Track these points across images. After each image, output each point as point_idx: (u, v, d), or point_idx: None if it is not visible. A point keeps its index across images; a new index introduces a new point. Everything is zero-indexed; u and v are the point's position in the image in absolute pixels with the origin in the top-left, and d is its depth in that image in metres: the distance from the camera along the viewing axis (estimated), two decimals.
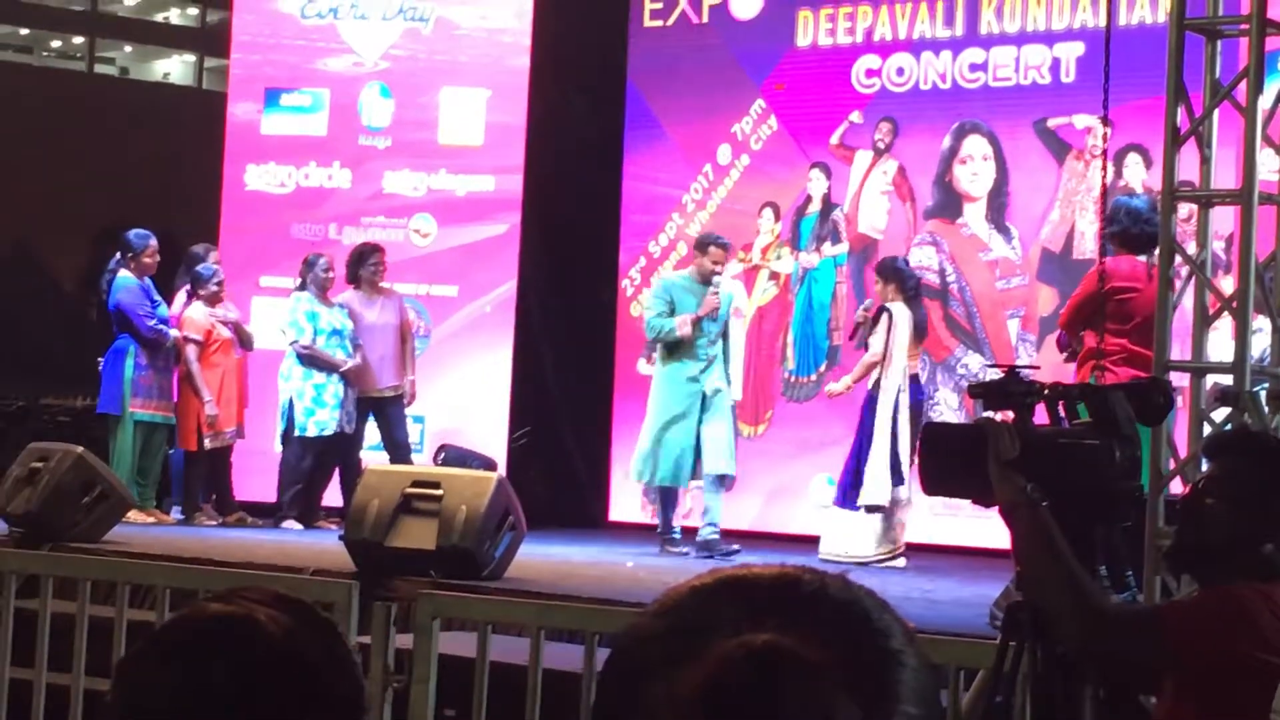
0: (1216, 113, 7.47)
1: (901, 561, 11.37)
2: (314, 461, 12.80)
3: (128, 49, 42.59)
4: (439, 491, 9.42)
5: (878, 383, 11.45)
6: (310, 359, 12.72)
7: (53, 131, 32.38)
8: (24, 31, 40.94)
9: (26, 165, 31.20)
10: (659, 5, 14.72)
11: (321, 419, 12.73)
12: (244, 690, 1.84)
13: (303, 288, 12.97)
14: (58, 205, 31.20)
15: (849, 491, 11.42)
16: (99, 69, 41.11)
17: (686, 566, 11.01)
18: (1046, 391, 4.22)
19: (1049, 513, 3.91)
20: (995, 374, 4.33)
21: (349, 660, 1.94)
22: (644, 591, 9.05)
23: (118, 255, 12.90)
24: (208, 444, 12.77)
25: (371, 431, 13.04)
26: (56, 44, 41.84)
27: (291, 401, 12.74)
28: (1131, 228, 9.03)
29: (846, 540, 11.35)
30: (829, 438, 13.14)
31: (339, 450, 12.90)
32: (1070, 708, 4.05)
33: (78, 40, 41.42)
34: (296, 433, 12.73)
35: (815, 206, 13.96)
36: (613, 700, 1.31)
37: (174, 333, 12.77)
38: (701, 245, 11.92)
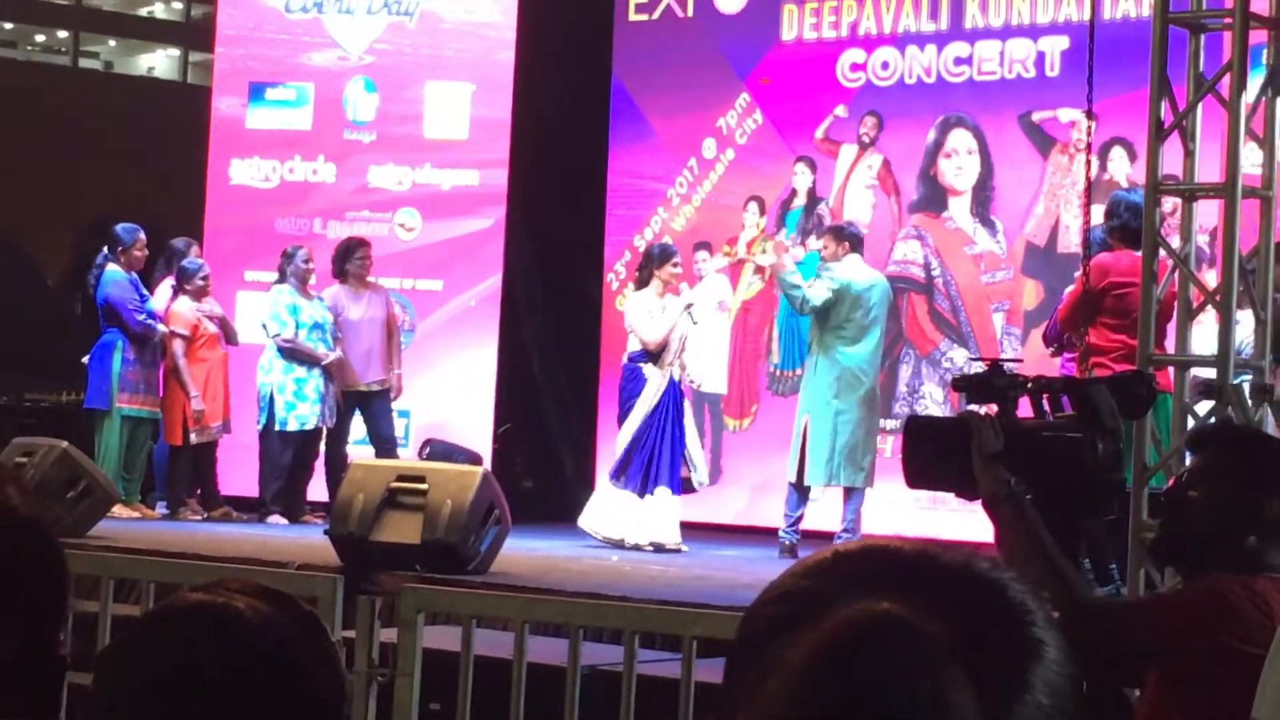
0: (1200, 106, 7.48)
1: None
2: (294, 456, 12.80)
3: (112, 43, 42.54)
4: (424, 486, 9.43)
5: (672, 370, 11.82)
6: (291, 353, 12.72)
7: (37, 126, 32.32)
8: (8, 26, 40.88)
9: (10, 159, 31.15)
10: None
11: (302, 413, 12.72)
12: (225, 678, 1.84)
13: (282, 280, 12.96)
14: (42, 200, 31.15)
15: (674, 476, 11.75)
16: (83, 63, 41.04)
17: (674, 561, 11.01)
18: (1030, 385, 4.23)
19: (1032, 506, 3.92)
20: (979, 367, 4.33)
21: (331, 650, 1.94)
22: (629, 586, 9.05)
23: (105, 249, 12.87)
24: (194, 438, 12.75)
25: (357, 426, 13.04)
26: (41, 38, 41.77)
27: (271, 395, 12.73)
28: (1132, 222, 9.00)
29: (657, 527, 11.62)
30: None
31: (318, 444, 12.90)
32: None
33: (62, 34, 41.36)
34: (277, 427, 12.72)
35: (800, 200, 13.96)
36: (740, 656, 1.31)
37: (161, 327, 12.75)
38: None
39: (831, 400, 11.42)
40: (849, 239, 11.72)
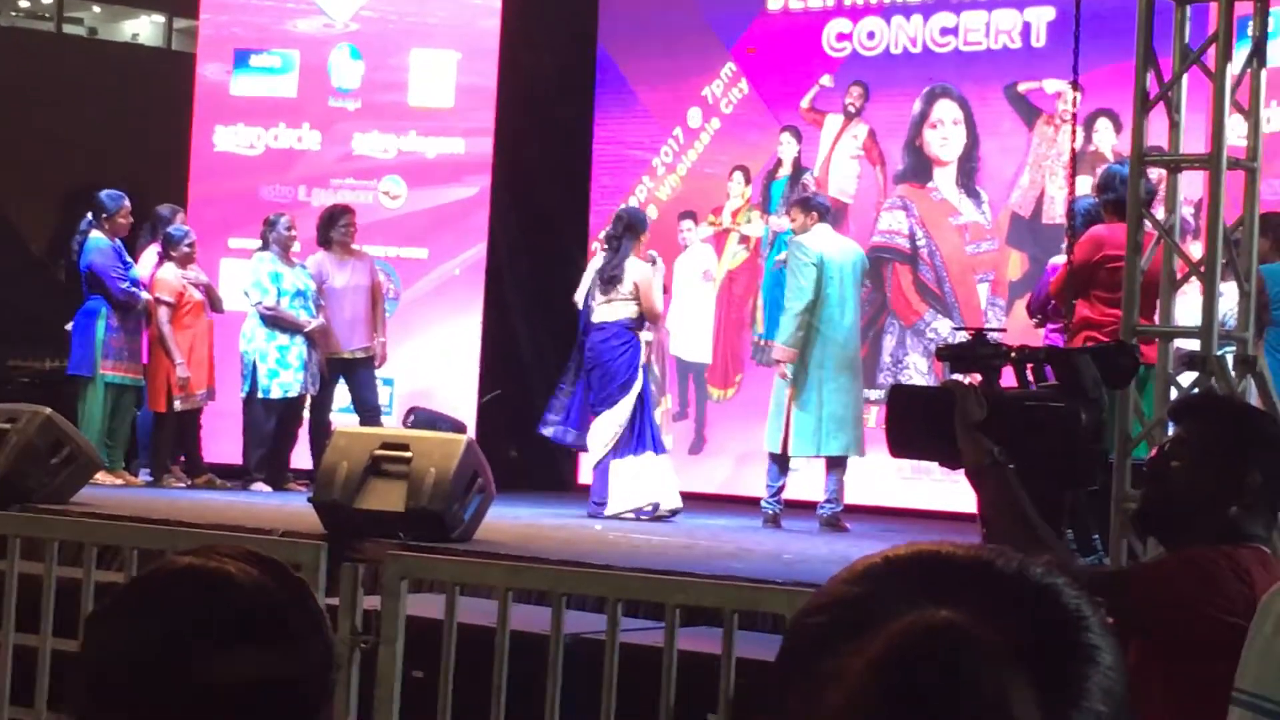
0: (1185, 78, 7.48)
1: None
2: (277, 423, 12.79)
3: (96, 9, 42.35)
4: (408, 454, 9.42)
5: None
6: (274, 320, 12.70)
7: (20, 92, 32.17)
8: None
9: None
10: None
11: (285, 380, 12.71)
12: (216, 642, 1.84)
13: (265, 248, 12.95)
14: (24, 166, 31.01)
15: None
16: (67, 29, 40.87)
17: (657, 530, 11.02)
18: (1014, 354, 4.23)
19: (1015, 476, 3.92)
20: (963, 337, 4.34)
21: (320, 615, 1.94)
22: (612, 554, 9.06)
23: (89, 216, 12.84)
24: (178, 405, 12.75)
25: (341, 393, 13.03)
26: (24, 4, 41.61)
27: (254, 363, 12.71)
28: (1126, 195, 9.00)
29: (670, 489, 11.73)
30: None
31: (301, 411, 12.90)
32: None
33: (46, 0, 41.21)
34: (260, 395, 12.71)
35: (786, 170, 13.97)
36: (790, 667, 1.29)
37: (145, 295, 12.73)
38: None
39: (816, 371, 11.38)
40: (816, 208, 11.65)
